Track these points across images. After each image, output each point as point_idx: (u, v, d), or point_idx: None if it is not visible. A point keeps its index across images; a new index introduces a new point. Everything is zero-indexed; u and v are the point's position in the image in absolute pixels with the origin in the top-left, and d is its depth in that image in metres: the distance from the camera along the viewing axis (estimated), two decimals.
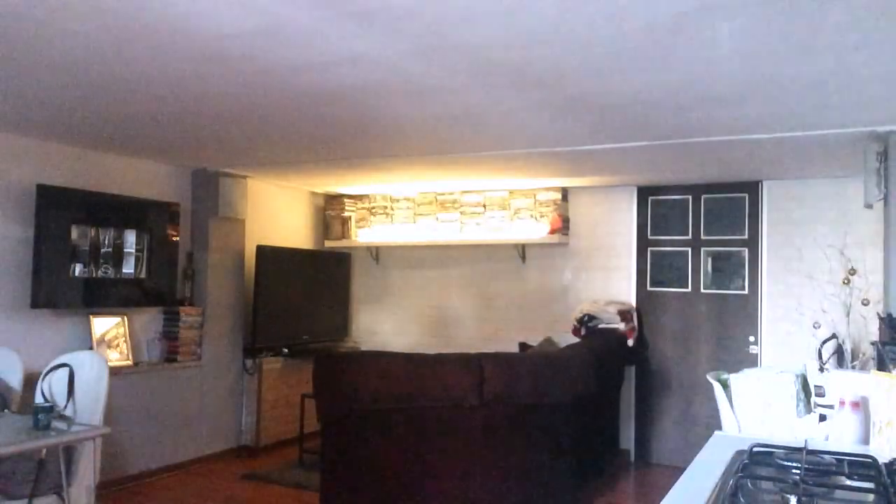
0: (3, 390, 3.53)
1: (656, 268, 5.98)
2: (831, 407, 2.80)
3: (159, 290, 5.37)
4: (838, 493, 1.60)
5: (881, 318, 3.64)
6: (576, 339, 5.76)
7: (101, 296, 4.97)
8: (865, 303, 4.98)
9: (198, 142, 4.60)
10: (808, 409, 3.27)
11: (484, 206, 6.44)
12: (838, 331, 4.95)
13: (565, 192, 6.21)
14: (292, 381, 6.22)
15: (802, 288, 5.41)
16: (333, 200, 7.13)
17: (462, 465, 4.01)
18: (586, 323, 5.83)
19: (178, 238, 5.52)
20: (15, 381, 3.65)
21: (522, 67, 2.86)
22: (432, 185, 6.28)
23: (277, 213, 6.65)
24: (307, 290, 6.59)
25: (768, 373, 3.54)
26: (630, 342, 5.71)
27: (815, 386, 3.33)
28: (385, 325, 7.10)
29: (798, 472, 1.64)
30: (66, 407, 3.24)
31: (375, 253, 7.15)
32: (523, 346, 6.13)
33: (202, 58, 2.82)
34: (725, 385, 3.68)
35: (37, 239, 4.55)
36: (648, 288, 6.00)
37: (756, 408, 3.43)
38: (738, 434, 3.25)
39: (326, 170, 5.66)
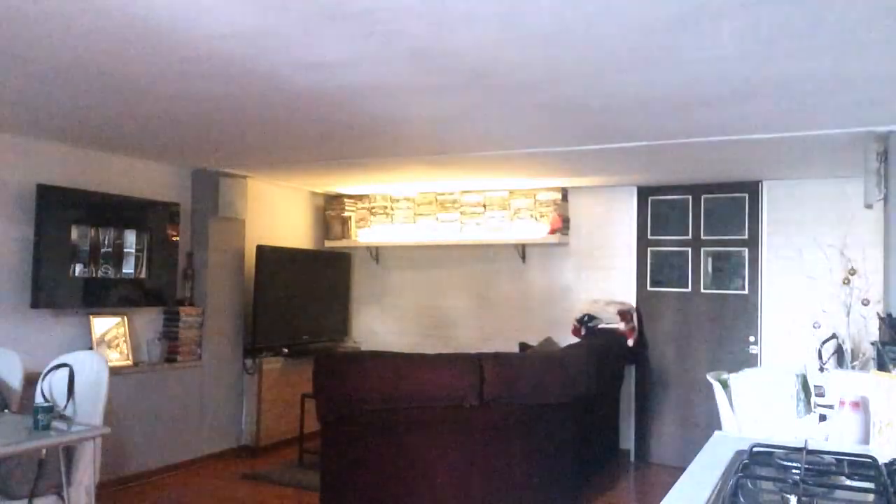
0: (3, 390, 3.53)
1: (656, 268, 5.98)
2: (831, 407, 2.80)
3: (159, 290, 5.37)
4: (838, 493, 1.60)
5: (881, 318, 3.64)
6: (576, 339, 5.77)
7: (101, 296, 4.97)
8: (865, 303, 4.98)
9: (198, 142, 4.60)
10: (808, 409, 3.27)
11: (484, 206, 6.44)
12: (838, 331, 4.94)
13: (565, 192, 6.21)
14: (292, 381, 6.21)
15: (802, 288, 5.41)
16: (333, 200, 7.13)
17: (462, 465, 4.01)
18: (586, 323, 5.83)
19: (178, 238, 5.52)
20: (15, 381, 3.64)
21: (522, 68, 2.86)
22: (432, 185, 6.28)
23: (277, 213, 6.65)
24: (307, 290, 6.58)
25: (768, 373, 3.54)
26: (630, 342, 5.71)
27: (815, 386, 3.33)
28: (385, 325, 7.10)
29: (798, 472, 1.64)
30: (66, 407, 3.24)
31: (375, 253, 7.15)
32: (523, 346, 6.13)
33: (202, 58, 2.82)
34: (725, 385, 3.67)
35: (37, 239, 4.55)
36: (648, 288, 6.00)
37: (756, 408, 3.43)
38: (738, 434, 3.24)
39: (326, 170, 5.66)
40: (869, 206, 4.05)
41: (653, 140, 4.20)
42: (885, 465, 1.71)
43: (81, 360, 3.43)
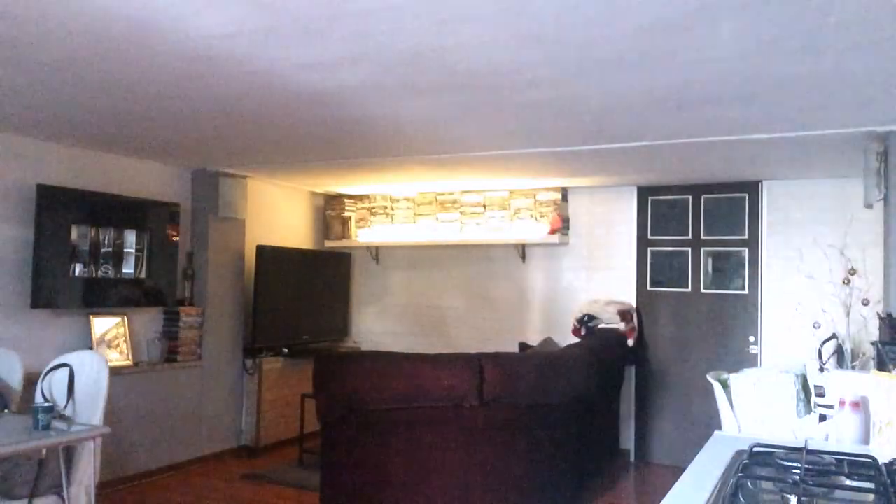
0: (3, 390, 3.53)
1: (656, 268, 5.98)
2: (831, 407, 2.80)
3: (159, 290, 5.37)
4: (838, 493, 1.60)
5: (881, 318, 3.64)
6: (576, 339, 5.76)
7: (101, 296, 4.97)
8: (865, 303, 4.98)
9: (198, 142, 4.61)
10: (808, 409, 3.27)
11: (484, 206, 6.44)
12: (838, 331, 4.95)
13: (565, 192, 6.21)
14: (292, 381, 6.22)
15: (802, 288, 5.41)
16: (333, 200, 7.13)
17: (462, 465, 4.01)
18: (586, 323, 5.83)
19: (178, 238, 5.52)
20: (15, 381, 3.64)
21: (522, 68, 2.86)
22: (432, 185, 6.28)
23: (277, 213, 6.65)
24: (307, 290, 6.58)
25: (768, 373, 3.54)
26: (630, 342, 5.71)
27: (815, 386, 3.33)
28: (385, 325, 7.10)
29: (798, 472, 1.64)
30: (66, 407, 3.24)
31: (375, 253, 7.15)
32: (523, 346, 6.13)
33: (202, 58, 2.82)
34: (725, 385, 3.68)
35: (37, 239, 4.55)
36: (648, 288, 6.00)
37: (756, 408, 3.43)
38: (738, 434, 3.24)
39: (326, 170, 5.66)
40: (869, 206, 4.05)
41: (653, 140, 4.20)
42: (885, 465, 1.71)
43: (81, 360, 3.44)
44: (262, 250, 6.03)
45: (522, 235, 6.25)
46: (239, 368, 5.97)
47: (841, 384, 2.55)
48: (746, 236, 5.67)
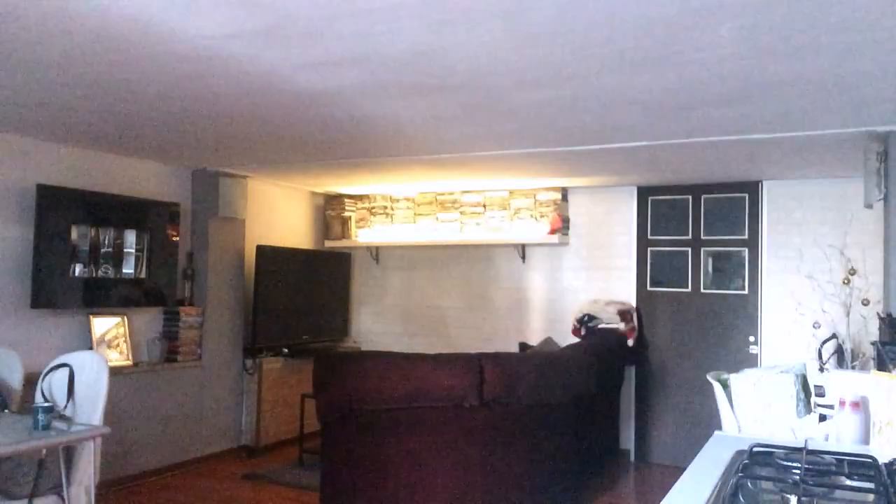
0: (3, 390, 3.53)
1: (656, 268, 5.98)
2: (831, 407, 2.80)
3: (159, 290, 5.37)
4: (838, 493, 1.60)
5: (881, 318, 3.64)
6: (576, 339, 5.77)
7: (101, 296, 4.97)
8: (865, 303, 4.98)
9: (198, 142, 4.61)
10: (808, 409, 3.27)
11: (484, 206, 6.44)
12: (838, 331, 4.95)
13: (565, 192, 6.21)
14: (292, 381, 6.22)
15: (802, 288, 5.41)
16: (333, 200, 7.13)
17: (462, 465, 4.01)
18: (586, 323, 5.83)
19: (178, 238, 5.52)
20: (15, 381, 3.64)
21: (522, 68, 2.86)
22: (432, 185, 6.28)
23: (277, 213, 6.65)
24: (307, 290, 6.58)
25: (768, 373, 3.53)
26: (630, 342, 5.71)
27: (815, 386, 3.32)
28: (385, 325, 7.10)
29: (798, 472, 1.64)
30: (66, 407, 3.24)
31: (375, 253, 7.15)
32: (523, 346, 6.13)
33: (202, 58, 2.82)
34: (725, 385, 3.67)
35: (37, 239, 4.55)
36: (648, 288, 6.00)
37: (756, 408, 3.43)
38: (738, 434, 3.24)
39: (326, 170, 5.66)
40: (869, 206, 4.05)
41: (653, 140, 4.20)
42: (885, 465, 1.71)
43: (81, 360, 3.43)
44: (262, 250, 6.04)
45: (522, 235, 6.25)
46: (239, 368, 5.97)
47: (841, 384, 2.55)
48: (746, 236, 5.67)
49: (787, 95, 3.20)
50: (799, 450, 1.79)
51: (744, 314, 5.65)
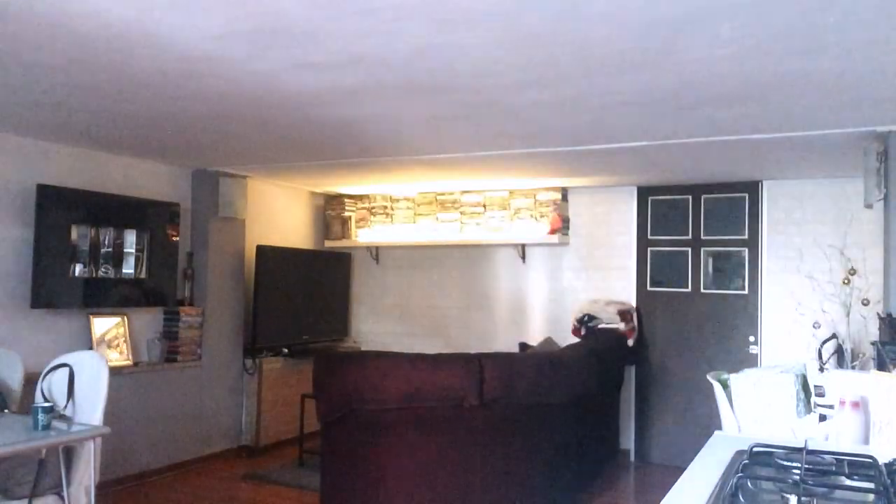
0: (3, 390, 3.53)
1: (656, 268, 5.98)
2: (831, 407, 2.80)
3: (159, 290, 5.37)
4: (838, 493, 1.60)
5: (881, 318, 3.64)
6: (576, 339, 5.76)
7: (101, 296, 4.97)
8: (865, 303, 4.98)
9: (198, 142, 4.61)
10: (808, 409, 3.27)
11: (484, 206, 6.44)
12: (838, 331, 4.95)
13: (565, 192, 6.21)
14: (292, 381, 6.22)
15: (802, 288, 5.41)
16: (333, 200, 7.13)
17: (462, 465, 4.01)
18: (586, 323, 5.83)
19: (178, 238, 5.52)
20: (15, 381, 3.64)
21: (522, 67, 2.86)
22: (432, 185, 6.28)
23: (277, 213, 6.65)
24: (307, 290, 6.59)
25: (768, 373, 3.54)
26: (630, 342, 5.71)
27: (815, 386, 3.33)
28: (385, 325, 7.10)
29: (798, 472, 1.64)
30: (66, 407, 3.24)
31: (375, 253, 7.15)
32: (523, 346, 6.13)
33: (201, 58, 2.82)
34: (725, 385, 3.67)
35: (37, 239, 4.55)
36: (648, 288, 6.00)
37: (756, 408, 3.43)
38: (738, 434, 3.24)
39: (326, 170, 5.66)
40: (869, 206, 4.05)
41: (653, 140, 4.20)
42: (885, 465, 1.71)
43: (81, 360, 3.43)
44: (262, 250, 6.03)
45: (522, 235, 6.25)
46: (239, 368, 5.97)
47: (841, 384, 2.55)
48: (746, 236, 5.67)
49: (788, 95, 3.20)
50: (799, 450, 1.79)
51: (744, 314, 5.65)
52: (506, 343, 6.30)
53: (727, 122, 3.71)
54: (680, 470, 1.92)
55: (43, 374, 3.48)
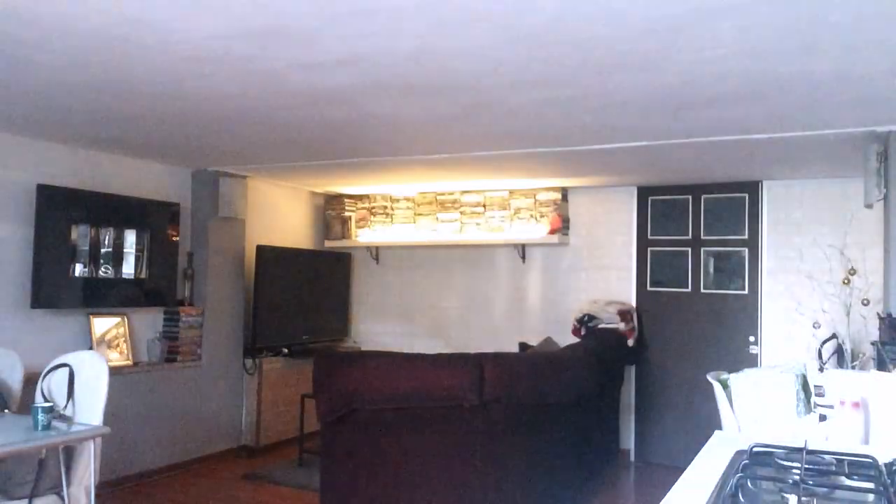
0: (3, 390, 3.53)
1: (656, 268, 5.98)
2: (831, 407, 2.80)
3: (159, 290, 5.37)
4: (838, 493, 1.60)
5: (881, 318, 3.64)
6: (576, 339, 5.76)
7: (101, 296, 4.97)
8: (865, 303, 4.98)
9: (198, 142, 4.61)
10: (808, 409, 3.27)
11: (484, 206, 6.44)
12: (838, 331, 4.95)
13: (565, 192, 6.21)
14: (292, 381, 6.22)
15: (802, 288, 5.41)
16: (333, 200, 7.13)
17: (462, 465, 4.01)
18: (586, 323, 5.83)
19: (178, 238, 5.52)
20: (15, 381, 3.64)
21: (523, 67, 2.86)
22: (432, 185, 6.28)
23: (277, 213, 6.65)
24: (307, 290, 6.58)
25: (768, 373, 3.53)
26: (630, 342, 5.71)
27: (815, 386, 3.32)
28: (385, 325, 7.10)
29: (798, 472, 1.64)
30: (66, 407, 3.24)
31: (375, 253, 7.15)
32: (523, 346, 6.13)
33: (202, 58, 2.82)
34: (725, 385, 3.67)
35: (37, 239, 4.55)
36: (648, 288, 6.00)
37: (756, 408, 3.43)
38: (738, 434, 3.24)
39: (326, 170, 5.66)
40: (869, 206, 4.05)
41: (653, 140, 4.20)
42: (885, 465, 1.71)
43: (81, 360, 3.43)
44: (262, 250, 6.03)
45: (522, 235, 6.25)
46: (239, 368, 5.97)
47: (841, 384, 2.55)
48: (746, 236, 5.67)
49: (788, 95, 3.20)
50: (799, 450, 1.79)
51: (744, 314, 5.65)
52: (506, 343, 6.30)
53: (727, 122, 3.71)
54: (680, 470, 1.92)
55: (43, 374, 3.48)
